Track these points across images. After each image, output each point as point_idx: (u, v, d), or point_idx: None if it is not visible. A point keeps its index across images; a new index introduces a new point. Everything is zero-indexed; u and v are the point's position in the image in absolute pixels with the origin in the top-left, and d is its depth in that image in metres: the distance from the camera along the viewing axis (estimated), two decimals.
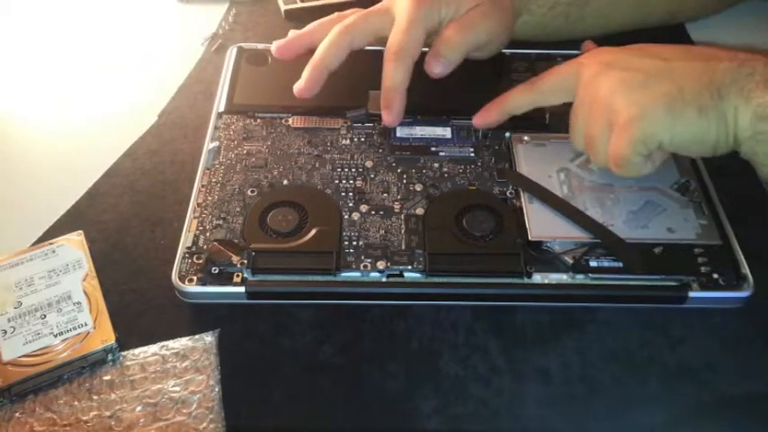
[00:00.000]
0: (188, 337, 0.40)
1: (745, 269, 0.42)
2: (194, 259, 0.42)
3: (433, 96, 0.50)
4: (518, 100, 0.47)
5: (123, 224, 0.46)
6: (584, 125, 0.43)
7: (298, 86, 0.48)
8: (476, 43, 0.49)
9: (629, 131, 0.39)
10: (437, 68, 0.48)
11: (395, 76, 0.47)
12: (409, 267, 0.42)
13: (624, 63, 0.41)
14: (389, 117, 0.48)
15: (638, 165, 0.41)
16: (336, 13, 0.51)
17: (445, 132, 0.50)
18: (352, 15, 0.49)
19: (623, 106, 0.40)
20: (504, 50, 0.54)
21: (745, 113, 0.38)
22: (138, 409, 0.37)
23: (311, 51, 0.49)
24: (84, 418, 0.36)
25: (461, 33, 0.48)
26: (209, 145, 0.48)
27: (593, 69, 0.42)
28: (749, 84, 0.38)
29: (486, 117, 0.48)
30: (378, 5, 0.50)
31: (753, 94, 0.38)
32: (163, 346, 0.39)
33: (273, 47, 0.51)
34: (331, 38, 0.48)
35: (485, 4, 0.49)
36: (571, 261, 0.42)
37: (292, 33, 0.52)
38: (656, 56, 0.41)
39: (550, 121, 0.50)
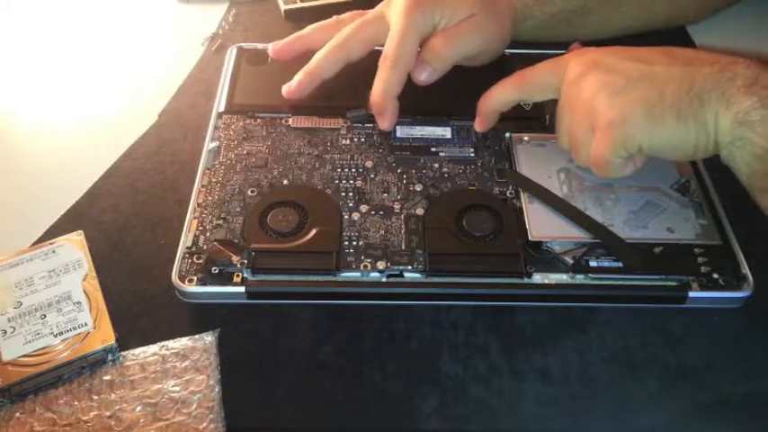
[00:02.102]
0: (188, 337, 0.40)
1: (745, 269, 0.42)
2: (194, 259, 0.42)
3: (434, 97, 0.50)
4: (504, 97, 0.47)
5: (123, 224, 0.46)
6: (567, 126, 0.43)
7: (288, 88, 0.49)
8: (464, 55, 0.49)
9: (609, 135, 0.40)
10: (422, 76, 0.48)
11: (388, 83, 0.47)
12: (409, 267, 0.42)
13: (607, 66, 0.41)
14: (384, 123, 0.48)
15: (619, 167, 0.41)
16: (335, 18, 0.51)
17: (445, 132, 0.50)
18: (350, 24, 0.49)
19: (604, 110, 0.40)
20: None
21: (725, 119, 0.38)
22: (138, 409, 0.37)
23: (308, 53, 0.50)
24: (85, 418, 0.36)
25: (448, 45, 0.48)
26: (209, 145, 0.48)
27: (578, 70, 0.42)
28: (730, 89, 0.38)
29: (481, 121, 0.48)
30: (373, 12, 0.50)
31: (733, 99, 0.38)
32: (163, 346, 0.39)
33: (270, 48, 0.52)
34: (328, 49, 0.49)
35: (479, 14, 0.49)
36: (571, 261, 0.42)
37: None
38: (639, 59, 0.41)
39: (550, 122, 0.50)
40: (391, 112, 0.48)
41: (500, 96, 0.47)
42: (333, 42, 0.49)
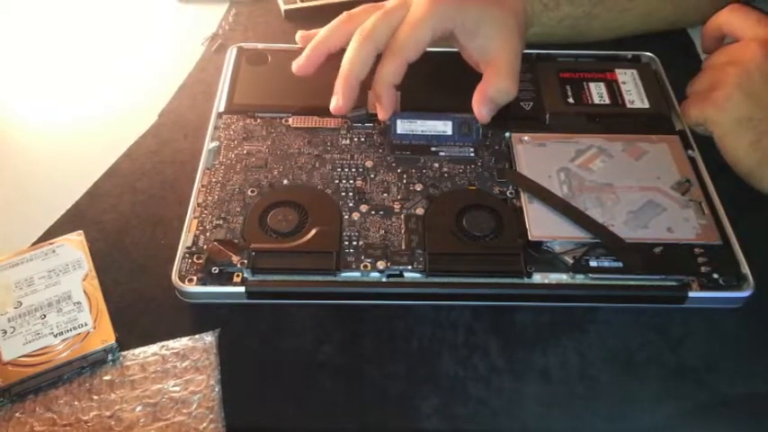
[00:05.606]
0: (188, 337, 0.40)
1: (745, 269, 0.42)
2: (194, 259, 0.42)
3: (436, 94, 0.51)
4: None
5: (123, 224, 0.46)
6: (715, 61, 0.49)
7: (336, 105, 0.47)
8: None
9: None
10: (485, 117, 0.48)
11: (386, 70, 0.46)
12: (409, 267, 0.42)
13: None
14: (380, 112, 0.48)
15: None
16: (346, 13, 0.49)
17: (446, 128, 0.50)
18: (372, 16, 0.47)
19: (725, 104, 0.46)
20: None
21: None
22: (138, 409, 0.37)
23: (330, 59, 0.48)
24: (85, 418, 0.37)
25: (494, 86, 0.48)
26: (209, 145, 0.48)
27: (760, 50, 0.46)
28: None
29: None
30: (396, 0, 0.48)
31: None
32: (163, 346, 0.39)
33: (294, 67, 0.49)
34: (355, 47, 0.47)
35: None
36: (571, 261, 0.42)
37: (299, 36, 0.51)
38: None
39: (550, 121, 0.50)
40: (387, 100, 0.47)
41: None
42: (359, 38, 0.47)
